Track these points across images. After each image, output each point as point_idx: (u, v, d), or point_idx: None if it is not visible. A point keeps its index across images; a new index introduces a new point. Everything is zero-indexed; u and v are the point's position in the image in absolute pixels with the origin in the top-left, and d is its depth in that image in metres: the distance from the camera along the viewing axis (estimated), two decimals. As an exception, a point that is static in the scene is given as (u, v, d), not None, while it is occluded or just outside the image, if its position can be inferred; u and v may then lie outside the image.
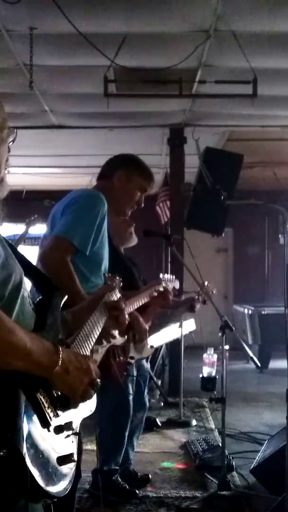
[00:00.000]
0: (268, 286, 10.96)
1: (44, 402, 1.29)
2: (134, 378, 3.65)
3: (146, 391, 3.95)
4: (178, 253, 4.25)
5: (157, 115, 6.53)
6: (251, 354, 4.02)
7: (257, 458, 3.92)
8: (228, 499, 3.61)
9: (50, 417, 1.30)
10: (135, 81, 5.19)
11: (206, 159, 4.13)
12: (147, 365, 3.99)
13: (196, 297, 4.07)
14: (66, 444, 1.39)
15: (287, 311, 3.22)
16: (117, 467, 3.66)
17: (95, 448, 3.69)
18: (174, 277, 3.72)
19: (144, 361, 3.87)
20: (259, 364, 4.89)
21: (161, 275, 3.58)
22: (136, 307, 3.29)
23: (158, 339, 4.54)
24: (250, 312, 8.50)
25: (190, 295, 4.30)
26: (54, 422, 1.32)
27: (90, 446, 3.90)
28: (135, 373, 3.66)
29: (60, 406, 1.34)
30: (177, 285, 3.71)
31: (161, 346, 6.04)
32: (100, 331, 1.67)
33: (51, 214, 2.91)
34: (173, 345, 6.19)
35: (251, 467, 3.83)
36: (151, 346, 3.79)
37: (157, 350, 5.83)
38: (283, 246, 3.52)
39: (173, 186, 7.17)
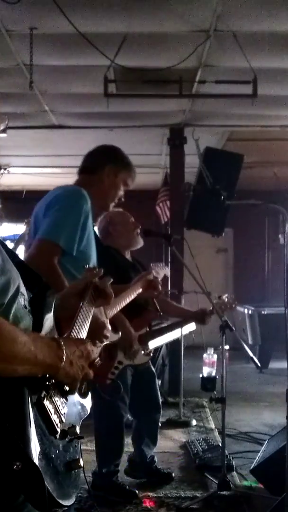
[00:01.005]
0: (268, 286, 10.96)
1: (51, 409, 1.28)
2: (122, 386, 3.50)
3: (156, 389, 3.92)
4: (178, 253, 4.25)
5: (157, 115, 6.53)
6: (251, 354, 4.01)
7: (257, 458, 3.92)
8: (228, 499, 3.61)
9: (56, 424, 1.29)
10: (135, 81, 5.19)
11: (206, 159, 4.13)
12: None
13: (209, 312, 3.93)
14: (70, 449, 1.37)
15: (287, 311, 3.22)
16: (117, 469, 3.67)
17: (94, 448, 3.70)
18: (163, 264, 3.62)
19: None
20: (259, 364, 4.88)
21: (151, 264, 3.49)
22: (129, 300, 3.15)
23: (158, 339, 4.53)
24: (250, 312, 8.50)
25: (201, 308, 4.14)
26: (60, 428, 1.31)
27: (90, 446, 3.91)
28: (129, 380, 3.62)
29: (62, 396, 1.34)
30: (167, 272, 3.60)
31: (161, 346, 6.04)
32: (91, 318, 1.64)
33: (33, 214, 2.82)
34: (173, 345, 6.18)
35: (251, 467, 3.83)
36: (147, 353, 3.73)
37: (157, 350, 5.83)
38: (283, 246, 3.52)
39: (173, 186, 7.17)
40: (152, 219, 7.89)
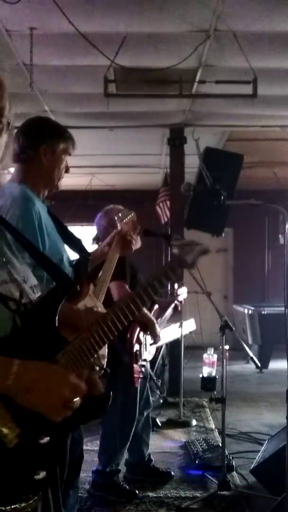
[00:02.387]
0: (268, 286, 10.96)
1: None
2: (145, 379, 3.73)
3: (147, 385, 3.97)
4: (178, 253, 4.24)
5: (157, 115, 6.53)
6: (251, 354, 4.02)
7: (257, 458, 3.92)
8: (228, 499, 3.61)
9: (5, 435, 1.18)
10: (135, 81, 5.19)
11: (206, 159, 4.12)
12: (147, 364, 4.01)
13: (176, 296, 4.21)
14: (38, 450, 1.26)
15: (287, 311, 3.22)
16: (118, 468, 3.68)
17: (95, 448, 3.70)
18: (127, 209, 3.22)
19: None
20: (259, 364, 4.89)
21: (115, 218, 3.03)
22: (112, 269, 2.88)
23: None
24: (250, 312, 8.50)
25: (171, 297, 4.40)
26: (12, 436, 1.19)
27: (90, 446, 3.91)
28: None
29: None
30: (134, 216, 3.13)
31: (161, 346, 6.05)
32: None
33: None
34: (173, 345, 6.19)
35: (251, 467, 3.84)
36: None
37: (157, 350, 5.84)
38: (283, 246, 3.52)
39: (173, 186, 7.17)
40: (152, 219, 7.89)
